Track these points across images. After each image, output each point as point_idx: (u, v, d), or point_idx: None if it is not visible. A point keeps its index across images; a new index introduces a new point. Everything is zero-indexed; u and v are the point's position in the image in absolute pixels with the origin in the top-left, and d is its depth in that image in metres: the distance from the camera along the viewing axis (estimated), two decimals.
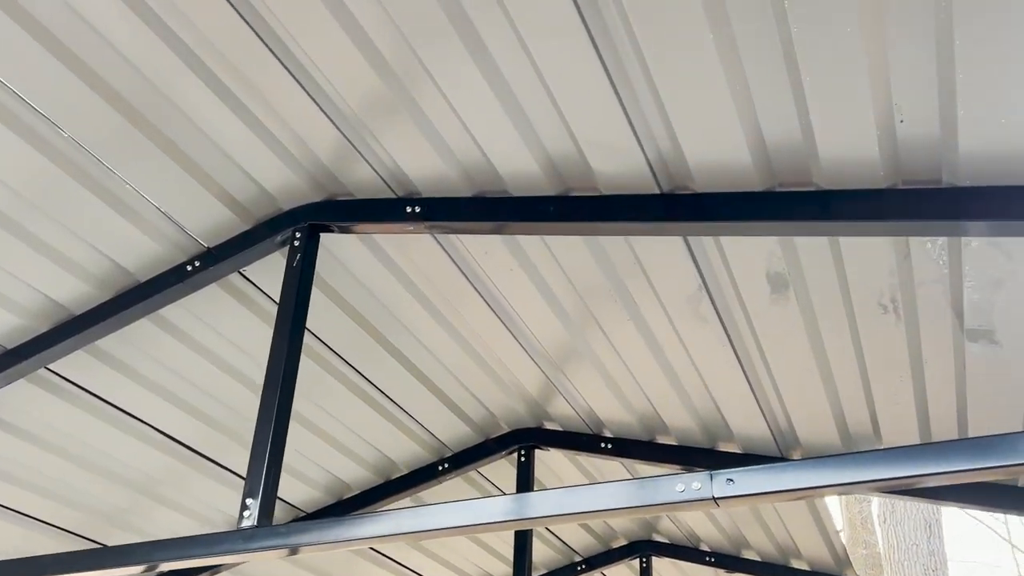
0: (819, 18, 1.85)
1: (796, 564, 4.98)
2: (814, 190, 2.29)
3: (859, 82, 1.97)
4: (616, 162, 2.38)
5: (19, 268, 2.66)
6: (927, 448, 2.10)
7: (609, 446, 3.89)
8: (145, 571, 2.30)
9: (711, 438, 3.76)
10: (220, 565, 3.96)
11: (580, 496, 2.04)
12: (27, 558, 2.50)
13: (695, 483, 1.98)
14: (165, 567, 2.25)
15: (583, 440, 3.97)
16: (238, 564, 4.16)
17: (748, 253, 2.62)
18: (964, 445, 1.99)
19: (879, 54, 1.91)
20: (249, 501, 2.31)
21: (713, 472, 1.99)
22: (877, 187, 2.23)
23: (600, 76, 2.13)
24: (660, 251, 2.71)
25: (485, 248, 2.87)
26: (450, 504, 2.12)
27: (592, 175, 2.46)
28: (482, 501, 2.10)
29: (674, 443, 3.83)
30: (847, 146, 2.13)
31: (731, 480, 1.97)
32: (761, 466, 2.00)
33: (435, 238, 2.87)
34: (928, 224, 2.25)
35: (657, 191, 2.45)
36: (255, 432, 2.44)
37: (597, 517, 2.08)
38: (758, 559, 5.05)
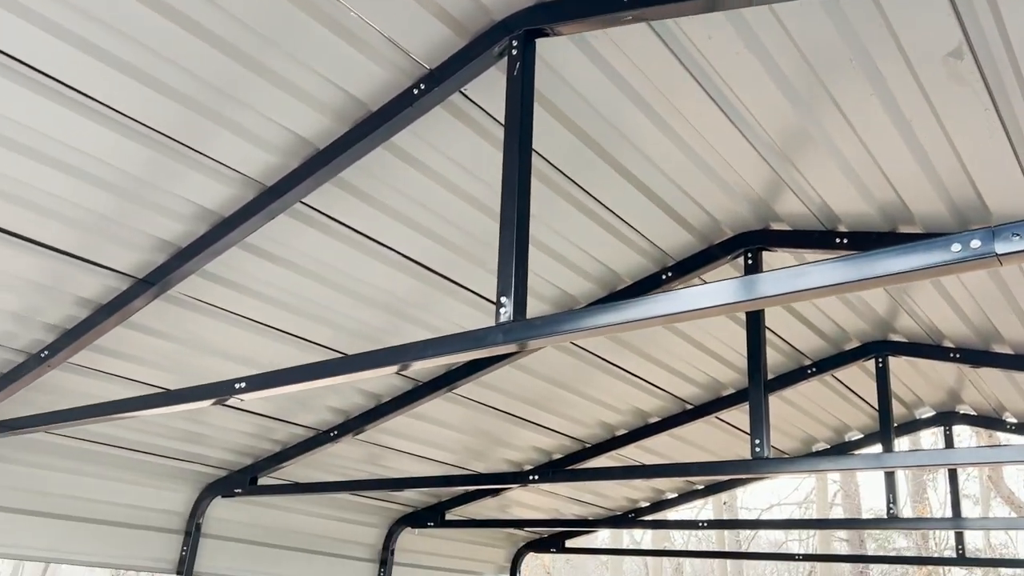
0: None
1: None
2: None
3: None
4: None
5: (267, 107, 2.86)
6: None
7: (845, 241, 3.70)
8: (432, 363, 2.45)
9: (963, 222, 3.46)
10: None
11: (847, 267, 1.90)
12: (294, 368, 2.74)
13: (974, 241, 1.81)
14: (444, 360, 2.42)
15: (815, 237, 3.81)
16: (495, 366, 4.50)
17: None
18: None
19: None
20: (504, 299, 2.43)
21: (995, 228, 1.82)
22: None
23: None
24: (912, 3, 2.41)
25: (708, 32, 2.71)
26: (692, 288, 2.08)
27: None
28: (723, 283, 2.00)
29: (920, 231, 3.57)
30: None
31: (1017, 235, 1.79)
32: None
33: (651, 27, 2.73)
34: None
35: None
36: (500, 236, 2.53)
37: (854, 289, 1.94)
38: (1010, 352, 4.74)
